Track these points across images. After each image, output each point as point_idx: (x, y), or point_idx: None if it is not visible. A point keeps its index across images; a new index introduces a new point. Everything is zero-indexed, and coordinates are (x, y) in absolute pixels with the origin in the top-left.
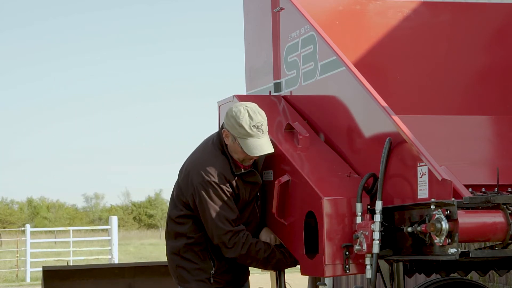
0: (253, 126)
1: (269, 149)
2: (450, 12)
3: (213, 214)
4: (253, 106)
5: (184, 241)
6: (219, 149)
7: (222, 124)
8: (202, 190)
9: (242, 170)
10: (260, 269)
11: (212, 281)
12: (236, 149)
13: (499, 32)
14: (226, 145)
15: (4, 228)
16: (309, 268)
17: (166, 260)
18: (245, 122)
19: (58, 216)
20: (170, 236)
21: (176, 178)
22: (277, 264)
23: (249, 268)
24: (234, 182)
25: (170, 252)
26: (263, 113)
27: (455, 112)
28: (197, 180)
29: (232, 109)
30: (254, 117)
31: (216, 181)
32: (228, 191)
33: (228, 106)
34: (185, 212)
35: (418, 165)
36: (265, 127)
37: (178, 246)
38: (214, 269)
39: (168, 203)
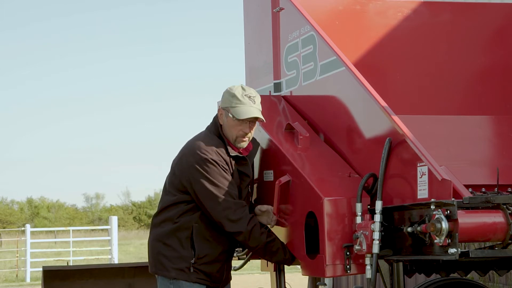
0: (245, 95)
1: (258, 114)
2: (450, 12)
3: (214, 190)
4: (248, 87)
5: (170, 226)
6: (213, 133)
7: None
8: (199, 168)
9: (237, 153)
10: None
11: (191, 270)
12: (229, 123)
13: (499, 32)
14: (221, 126)
15: (4, 228)
16: (309, 268)
17: (148, 250)
18: (238, 92)
19: (58, 216)
20: (156, 224)
21: (171, 166)
22: (276, 253)
23: (243, 268)
24: (229, 162)
25: (153, 239)
26: (256, 92)
27: (455, 112)
28: (193, 159)
29: (227, 88)
30: (247, 89)
31: (213, 157)
32: (225, 167)
33: None
34: (178, 198)
35: (418, 165)
36: (258, 100)
37: (163, 232)
38: (194, 258)
39: None
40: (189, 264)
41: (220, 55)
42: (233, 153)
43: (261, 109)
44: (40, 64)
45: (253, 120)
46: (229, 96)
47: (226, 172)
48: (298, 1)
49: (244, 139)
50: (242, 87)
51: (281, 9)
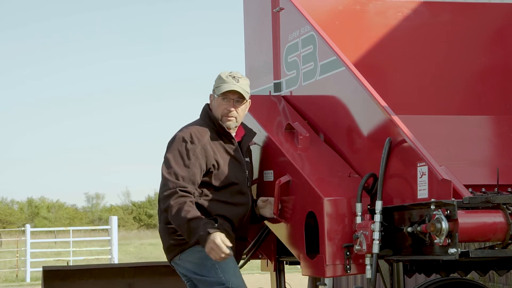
0: (229, 75)
1: (239, 89)
2: (450, 12)
3: (164, 165)
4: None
5: None
6: (201, 118)
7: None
8: (168, 144)
9: (232, 140)
10: (259, 260)
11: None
12: (216, 104)
13: (499, 32)
14: (210, 110)
15: (4, 228)
16: (310, 268)
17: (160, 237)
18: (224, 74)
19: (58, 216)
20: (162, 211)
21: None
22: (187, 234)
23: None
24: (210, 145)
25: (163, 223)
26: (245, 77)
27: (455, 112)
28: (169, 139)
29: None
30: (234, 72)
31: (183, 136)
32: (191, 148)
33: None
34: None
35: (418, 165)
36: (243, 81)
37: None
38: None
39: None
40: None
41: (220, 55)
42: (226, 140)
43: (247, 91)
44: (40, 64)
45: (238, 99)
46: (216, 79)
47: (190, 153)
48: (298, 1)
49: (229, 118)
50: (229, 71)
51: (281, 9)
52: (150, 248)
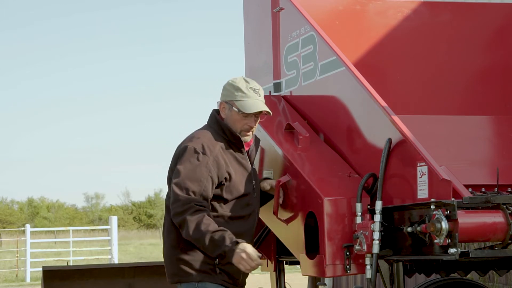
0: (249, 88)
1: (266, 107)
2: (450, 12)
3: (174, 180)
4: (250, 79)
5: None
6: (211, 126)
7: (217, 109)
8: (178, 155)
9: (242, 149)
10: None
11: (218, 271)
12: (233, 117)
13: (499, 32)
14: (222, 119)
15: (4, 228)
16: (309, 268)
17: (163, 258)
18: (242, 84)
19: (58, 216)
20: (168, 230)
21: None
22: (211, 248)
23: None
24: (223, 156)
25: (168, 246)
26: (259, 85)
27: (455, 112)
28: (178, 148)
29: (229, 80)
30: (250, 81)
31: (195, 147)
32: (203, 160)
33: None
34: None
35: (418, 165)
36: (262, 92)
37: (177, 237)
38: (217, 259)
39: None
40: (214, 265)
41: (220, 55)
42: (236, 150)
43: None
44: (40, 64)
45: (258, 114)
46: (233, 89)
47: (202, 166)
48: (298, 1)
49: (248, 133)
50: (244, 79)
51: (281, 9)
52: (150, 248)
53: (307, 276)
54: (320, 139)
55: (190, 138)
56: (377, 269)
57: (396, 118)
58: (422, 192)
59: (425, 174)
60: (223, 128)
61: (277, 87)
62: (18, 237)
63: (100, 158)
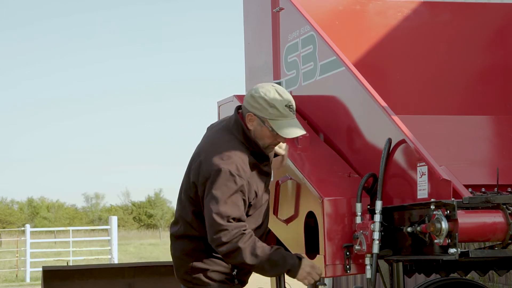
0: (285, 106)
1: (303, 131)
2: (450, 12)
3: (213, 206)
4: (279, 86)
5: (201, 243)
6: (237, 138)
7: (238, 110)
8: (213, 177)
9: (264, 158)
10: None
11: (236, 282)
12: (264, 133)
13: (499, 32)
14: (249, 130)
15: (4, 228)
16: None
17: (173, 261)
18: (277, 102)
19: (58, 216)
20: (182, 236)
21: (184, 174)
22: (281, 264)
23: None
24: (251, 175)
25: (181, 253)
26: (288, 93)
27: (455, 112)
28: (210, 168)
29: (258, 90)
30: (284, 96)
31: (230, 169)
32: (240, 184)
33: (228, 106)
34: (198, 208)
35: (418, 165)
36: (294, 106)
37: (192, 247)
38: (236, 269)
39: (170, 203)
40: (231, 276)
41: (220, 55)
42: (262, 161)
43: None
44: (40, 64)
45: None
46: (266, 104)
47: (238, 189)
48: (298, 1)
49: (274, 148)
50: (277, 91)
51: (281, 9)
52: (150, 248)
53: None
54: (320, 139)
55: (220, 156)
56: (377, 269)
57: (396, 118)
58: (422, 192)
59: (425, 174)
60: (250, 141)
61: None
62: (18, 237)
63: (100, 158)
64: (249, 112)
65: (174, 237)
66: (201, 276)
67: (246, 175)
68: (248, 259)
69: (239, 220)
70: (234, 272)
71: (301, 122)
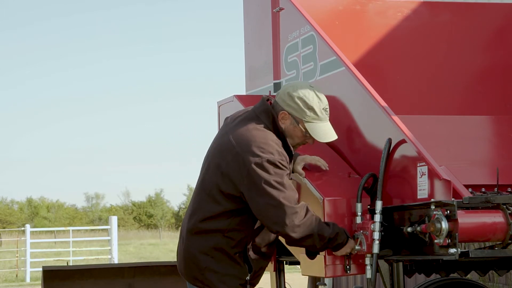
0: (323, 109)
1: (335, 135)
2: (450, 12)
3: (276, 193)
4: (316, 87)
5: (219, 239)
6: (269, 128)
7: (270, 105)
8: (260, 169)
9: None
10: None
11: (248, 287)
12: (296, 133)
13: (499, 32)
14: (279, 127)
15: (4, 228)
16: (310, 268)
17: (185, 257)
18: (316, 104)
19: (58, 216)
20: (199, 233)
21: (202, 169)
22: (337, 241)
23: None
24: (288, 160)
25: (198, 250)
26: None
27: (455, 112)
28: (252, 159)
29: (298, 89)
30: (322, 98)
31: (275, 158)
32: (286, 167)
33: (228, 106)
34: (226, 206)
35: (418, 165)
36: (328, 109)
37: (209, 244)
38: (250, 274)
39: (170, 203)
40: (245, 281)
41: (220, 55)
42: (290, 155)
43: None
44: (40, 64)
45: None
46: (304, 106)
47: (287, 174)
48: (298, 1)
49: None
50: (316, 94)
51: (281, 9)
52: (150, 248)
53: (307, 276)
54: None
55: (257, 145)
56: (377, 269)
57: (396, 118)
58: (422, 192)
59: (425, 174)
60: (281, 138)
61: (277, 87)
62: (18, 237)
63: (100, 158)
64: (284, 110)
65: (191, 232)
66: (214, 278)
67: (285, 156)
68: (317, 242)
69: (297, 200)
70: (248, 277)
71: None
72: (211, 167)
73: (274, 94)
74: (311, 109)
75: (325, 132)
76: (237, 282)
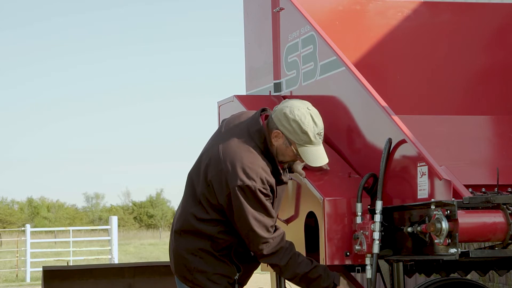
0: (317, 134)
1: (326, 159)
2: (450, 12)
3: (251, 221)
4: (314, 110)
5: (206, 242)
6: (260, 149)
7: (267, 121)
8: (240, 194)
9: (281, 170)
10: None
11: (237, 287)
12: (288, 153)
13: (499, 32)
14: (271, 145)
15: (4, 228)
16: None
17: (174, 257)
18: (310, 129)
19: (58, 216)
20: (188, 233)
21: (195, 169)
22: (316, 281)
23: None
24: (274, 186)
25: (186, 251)
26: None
27: (455, 112)
28: (234, 182)
29: (294, 111)
30: (318, 123)
31: (257, 185)
32: (267, 195)
33: (228, 106)
34: (213, 216)
35: (418, 165)
36: (323, 133)
37: (198, 246)
38: (238, 274)
39: (170, 203)
40: (233, 280)
41: (220, 55)
42: (279, 174)
43: None
44: (40, 64)
45: None
46: (299, 130)
47: (267, 200)
48: (298, 1)
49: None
50: (312, 117)
51: (281, 9)
52: (150, 248)
53: None
54: None
55: (243, 168)
56: (377, 269)
57: (396, 118)
58: (422, 192)
59: (425, 174)
60: (271, 157)
61: (277, 87)
62: (18, 237)
63: (100, 158)
64: (278, 129)
65: (178, 233)
66: (203, 278)
67: (270, 184)
68: (299, 266)
69: (275, 227)
70: (236, 276)
71: None
72: (201, 172)
73: (274, 94)
74: (305, 133)
75: (317, 157)
76: (226, 281)
